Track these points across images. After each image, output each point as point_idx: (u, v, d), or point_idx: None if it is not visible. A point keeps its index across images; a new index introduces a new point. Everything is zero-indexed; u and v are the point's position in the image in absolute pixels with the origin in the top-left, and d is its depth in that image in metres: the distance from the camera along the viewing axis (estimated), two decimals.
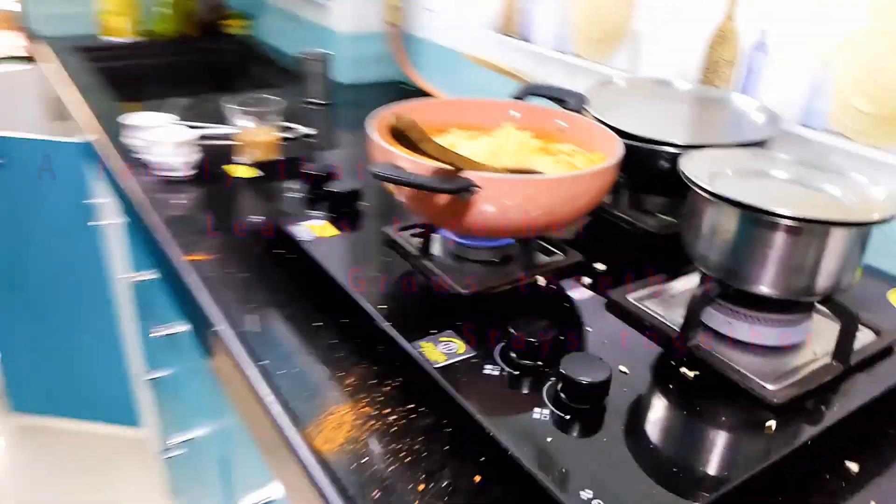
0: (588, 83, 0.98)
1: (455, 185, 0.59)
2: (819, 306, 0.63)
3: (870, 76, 0.81)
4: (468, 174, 0.60)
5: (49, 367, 1.78)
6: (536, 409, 0.54)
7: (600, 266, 0.76)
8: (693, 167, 0.61)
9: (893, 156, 0.80)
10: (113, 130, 1.19)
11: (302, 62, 1.50)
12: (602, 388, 0.53)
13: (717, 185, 0.59)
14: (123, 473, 1.75)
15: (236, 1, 2.18)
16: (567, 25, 1.21)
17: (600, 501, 0.46)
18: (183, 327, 0.96)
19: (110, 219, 1.37)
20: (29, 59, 2.02)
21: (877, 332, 0.64)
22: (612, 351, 0.62)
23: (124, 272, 1.33)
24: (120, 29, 1.93)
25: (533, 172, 0.69)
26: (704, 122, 0.87)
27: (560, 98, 0.85)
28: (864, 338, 0.64)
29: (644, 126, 0.81)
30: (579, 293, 0.71)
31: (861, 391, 0.59)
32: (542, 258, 0.75)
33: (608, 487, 0.47)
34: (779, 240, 0.57)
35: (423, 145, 0.57)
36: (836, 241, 0.56)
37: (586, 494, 0.46)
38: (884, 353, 0.63)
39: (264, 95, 1.15)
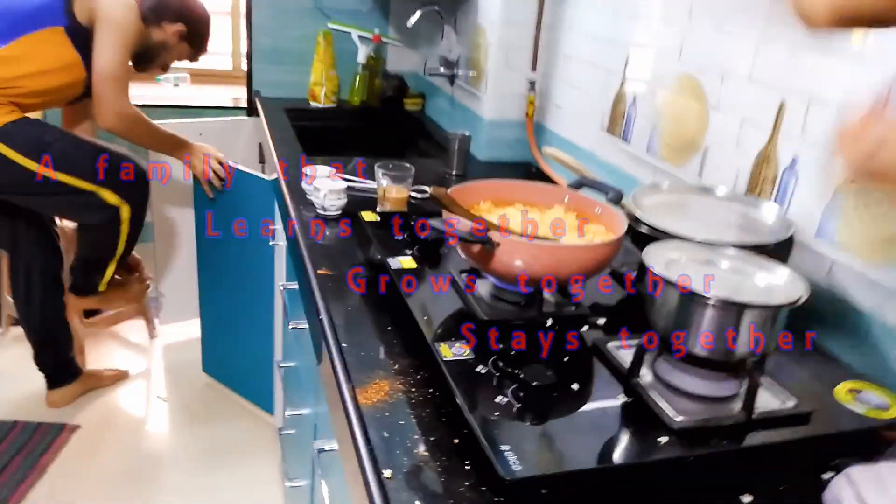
0: (665, 181, 1.20)
1: (478, 239, 0.86)
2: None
3: (867, 209, 0.97)
4: (491, 233, 0.87)
5: (226, 345, 2.26)
6: (500, 397, 0.78)
7: (601, 320, 0.98)
8: (655, 254, 0.83)
9: (883, 274, 0.94)
10: (293, 175, 1.59)
11: (449, 139, 1.85)
12: (544, 390, 0.76)
13: (668, 270, 0.80)
14: (255, 450, 2.13)
15: (414, 82, 2.61)
16: (656, 134, 1.44)
17: (512, 452, 0.69)
18: (305, 324, 1.30)
19: (280, 240, 1.78)
20: (249, 111, 2.57)
21: (798, 403, 0.81)
22: (577, 375, 0.84)
23: (281, 280, 1.71)
24: (318, 96, 2.42)
25: (549, 240, 0.93)
26: (724, 223, 1.06)
27: (604, 190, 1.09)
28: (790, 403, 0.80)
29: (667, 221, 1.02)
30: (575, 335, 0.93)
31: (755, 438, 0.76)
32: (559, 308, 0.98)
33: (522, 447, 0.70)
34: (703, 313, 0.77)
35: (452, 209, 0.85)
36: (747, 318, 0.75)
37: (505, 447, 0.70)
38: (791, 419, 0.79)
39: (403, 164, 1.48)
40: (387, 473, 0.72)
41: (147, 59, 2.04)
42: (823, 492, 0.69)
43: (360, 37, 2.40)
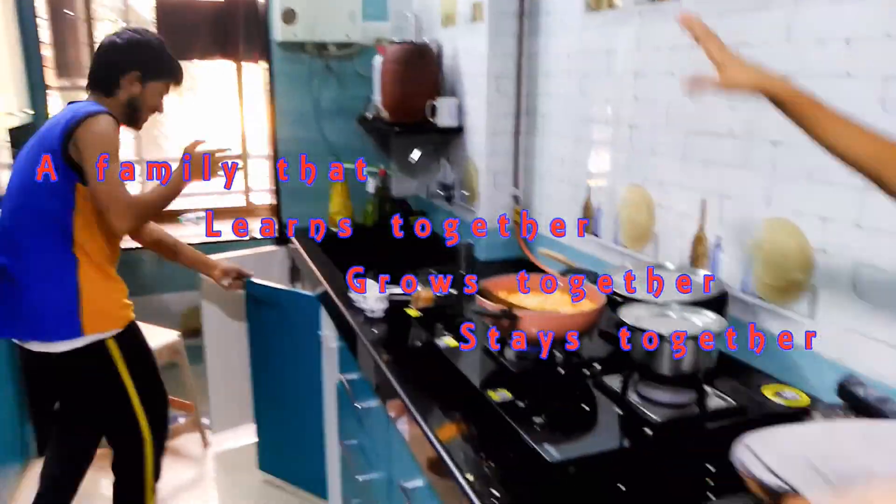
0: (629, 265, 1.64)
1: (506, 315, 1.27)
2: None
3: (767, 263, 1.40)
4: (516, 310, 1.28)
5: (280, 441, 2.59)
6: (536, 418, 1.17)
7: (597, 366, 1.38)
8: (628, 314, 1.25)
9: (787, 311, 1.36)
10: (336, 287, 2.01)
11: (457, 247, 2.29)
12: (566, 412, 1.15)
13: (637, 322, 1.21)
14: None
15: (415, 203, 3.09)
16: (619, 229, 1.89)
17: (551, 446, 1.07)
18: (374, 403, 1.67)
19: (329, 342, 2.17)
20: (278, 241, 3.02)
21: (736, 403, 1.20)
22: (586, 401, 1.23)
23: (334, 375, 2.10)
24: (338, 222, 2.88)
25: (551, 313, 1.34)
26: (676, 287, 1.49)
27: (586, 274, 1.52)
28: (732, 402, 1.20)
29: (633, 288, 1.44)
30: (581, 377, 1.33)
31: (710, 426, 1.15)
32: (567, 360, 1.38)
33: (557, 443, 1.08)
34: (663, 346, 1.17)
35: (491, 298, 1.26)
36: (690, 345, 1.16)
37: (546, 445, 1.08)
38: (731, 411, 1.19)
39: (430, 270, 1.90)
40: (470, 477, 1.10)
41: (132, 118, 1.99)
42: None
43: (368, 171, 2.88)
